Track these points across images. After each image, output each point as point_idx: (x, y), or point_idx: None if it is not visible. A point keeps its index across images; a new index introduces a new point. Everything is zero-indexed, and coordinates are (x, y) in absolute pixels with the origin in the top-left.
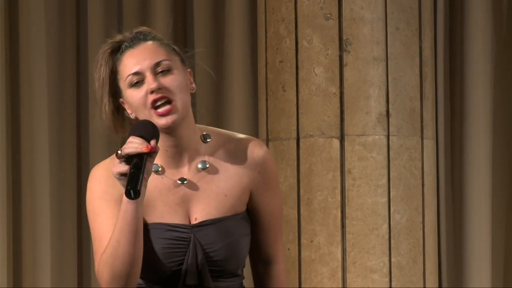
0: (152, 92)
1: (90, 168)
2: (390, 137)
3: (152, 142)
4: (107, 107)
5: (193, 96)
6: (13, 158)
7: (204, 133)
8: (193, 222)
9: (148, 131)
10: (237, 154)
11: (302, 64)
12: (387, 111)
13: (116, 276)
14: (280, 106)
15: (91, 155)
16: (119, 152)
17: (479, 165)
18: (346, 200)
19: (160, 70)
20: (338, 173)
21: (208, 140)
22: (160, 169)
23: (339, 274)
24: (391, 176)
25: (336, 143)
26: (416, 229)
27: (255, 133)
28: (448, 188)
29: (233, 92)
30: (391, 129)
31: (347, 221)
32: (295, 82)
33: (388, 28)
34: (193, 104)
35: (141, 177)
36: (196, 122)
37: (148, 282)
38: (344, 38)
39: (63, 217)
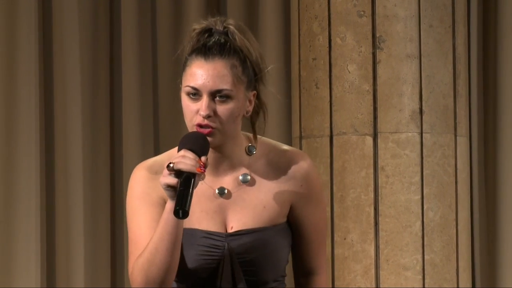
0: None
1: (123, 167)
2: (424, 134)
3: (203, 158)
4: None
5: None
6: (46, 159)
7: (250, 145)
8: (230, 231)
9: (199, 145)
10: (279, 166)
11: (335, 62)
12: (421, 109)
13: (150, 282)
14: (313, 104)
15: (125, 155)
16: (171, 165)
17: None
18: (379, 198)
19: (218, 96)
20: (371, 170)
21: (253, 152)
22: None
23: (372, 271)
24: (424, 174)
25: (369, 140)
26: (449, 226)
27: (288, 130)
28: (482, 185)
29: (267, 90)
30: (424, 126)
31: (380, 219)
32: (328, 79)
33: (421, 25)
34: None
35: (189, 197)
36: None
37: (182, 286)
38: (377, 35)
39: (97, 217)
